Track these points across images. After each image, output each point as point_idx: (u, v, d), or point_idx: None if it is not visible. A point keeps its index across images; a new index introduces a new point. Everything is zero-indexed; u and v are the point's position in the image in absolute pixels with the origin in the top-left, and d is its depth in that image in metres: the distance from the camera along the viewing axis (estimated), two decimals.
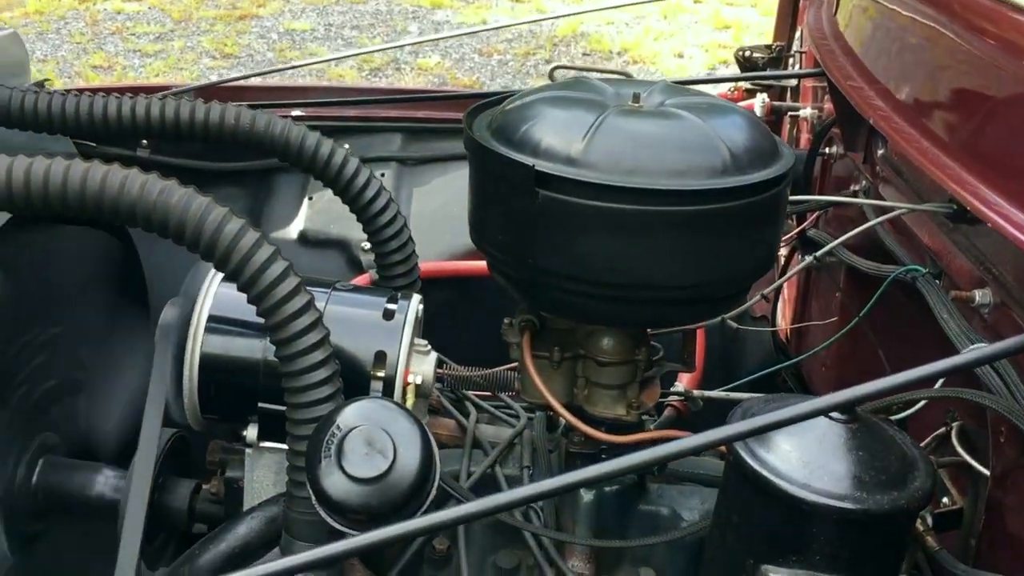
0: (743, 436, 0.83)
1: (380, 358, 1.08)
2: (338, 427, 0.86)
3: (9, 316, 1.01)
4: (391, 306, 1.12)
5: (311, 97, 1.99)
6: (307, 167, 1.32)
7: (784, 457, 0.85)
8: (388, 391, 1.08)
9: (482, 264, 1.14)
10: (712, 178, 0.94)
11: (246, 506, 1.17)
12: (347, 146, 1.39)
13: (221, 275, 1.12)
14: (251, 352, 1.08)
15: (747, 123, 1.01)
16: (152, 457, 1.10)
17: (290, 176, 1.96)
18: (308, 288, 0.99)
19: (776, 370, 1.63)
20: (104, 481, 1.23)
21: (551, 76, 1.50)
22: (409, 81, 5.05)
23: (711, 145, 0.95)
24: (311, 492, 0.88)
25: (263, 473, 1.16)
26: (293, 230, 1.92)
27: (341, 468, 0.83)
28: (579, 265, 0.95)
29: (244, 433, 1.11)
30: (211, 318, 1.09)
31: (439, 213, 1.92)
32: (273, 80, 4.00)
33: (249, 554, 1.05)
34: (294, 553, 0.97)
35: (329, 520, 0.88)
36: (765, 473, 0.84)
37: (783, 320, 1.87)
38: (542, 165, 0.93)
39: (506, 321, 1.12)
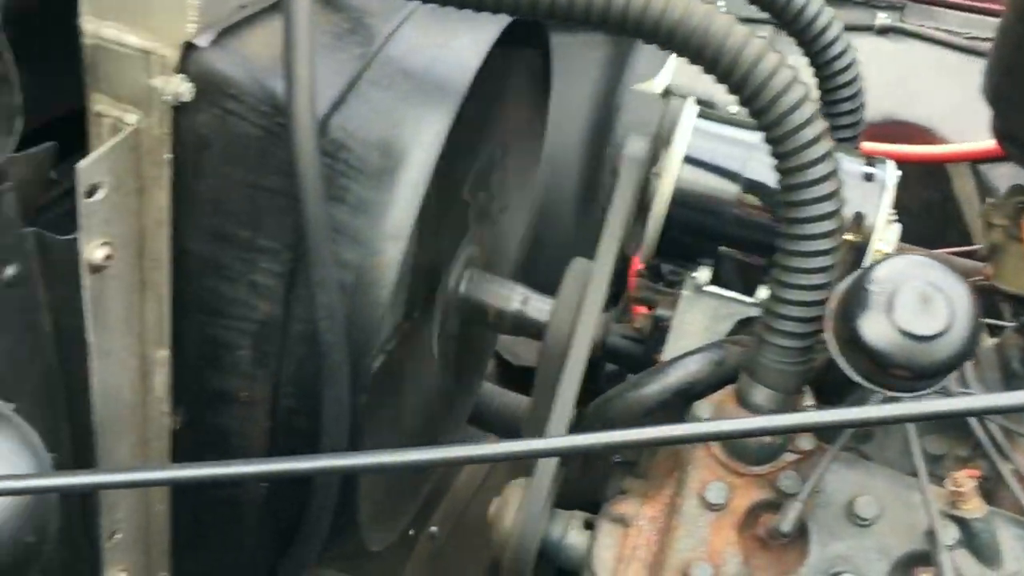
0: None
1: (857, 219, 1.04)
2: (881, 279, 0.83)
3: (458, 140, 1.03)
4: (870, 168, 1.07)
5: None
6: None
7: None
8: (859, 255, 1.04)
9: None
10: None
11: (668, 347, 1.19)
12: None
13: (695, 114, 1.10)
14: (725, 194, 1.07)
15: None
16: (603, 290, 1.11)
17: None
18: None
19: None
20: (528, 301, 1.27)
21: None
22: None
23: None
24: (840, 342, 0.87)
25: (695, 317, 1.15)
26: (657, 85, 1.89)
27: (891, 320, 0.81)
28: None
29: (693, 275, 1.11)
30: (685, 157, 1.08)
31: None
32: None
33: (695, 393, 1.06)
34: (753, 393, 0.99)
35: (852, 373, 0.86)
36: None
37: None
38: None
39: (991, 201, 1.06)
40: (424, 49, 1.04)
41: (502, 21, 1.16)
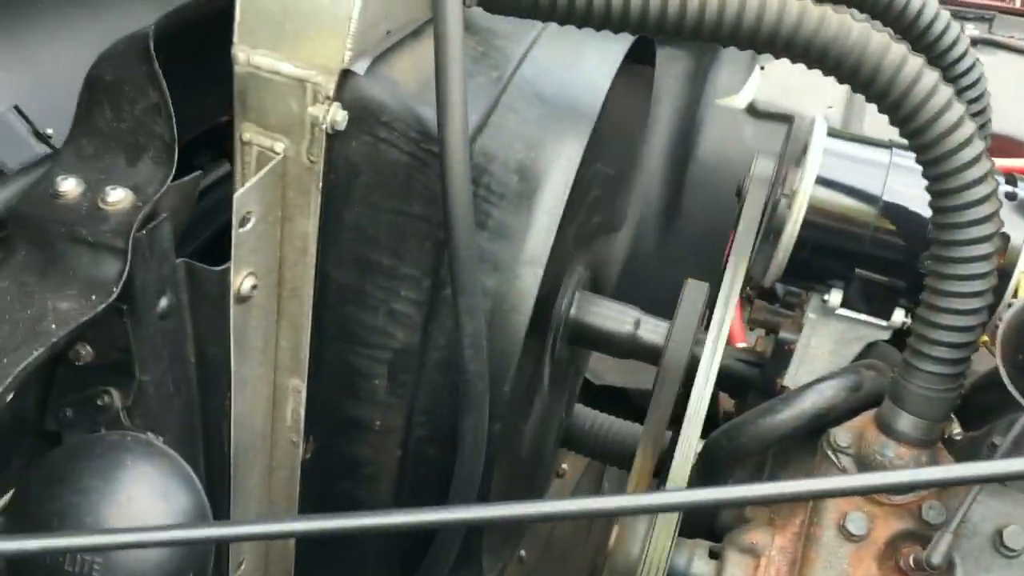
0: None
1: (1003, 240, 1.01)
2: None
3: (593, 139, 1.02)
4: (1011, 187, 1.05)
5: None
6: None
7: None
8: (1003, 280, 1.02)
9: None
10: None
11: (793, 370, 1.16)
12: None
13: (824, 132, 1.08)
14: (861, 215, 1.04)
15: None
16: (732, 312, 1.09)
17: None
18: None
19: None
20: (641, 324, 1.25)
21: None
22: None
23: None
24: (1010, 367, 0.84)
25: (821, 340, 1.13)
26: (741, 100, 1.87)
27: None
28: None
29: (825, 297, 1.09)
30: (818, 177, 1.06)
31: None
32: None
33: (830, 419, 1.03)
34: (899, 420, 0.97)
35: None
36: None
37: None
38: None
39: None
40: (555, 71, 1.02)
41: (626, 39, 1.14)
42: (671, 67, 1.87)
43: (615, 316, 1.26)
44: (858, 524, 1.00)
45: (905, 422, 0.97)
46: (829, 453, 1.02)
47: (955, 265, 0.90)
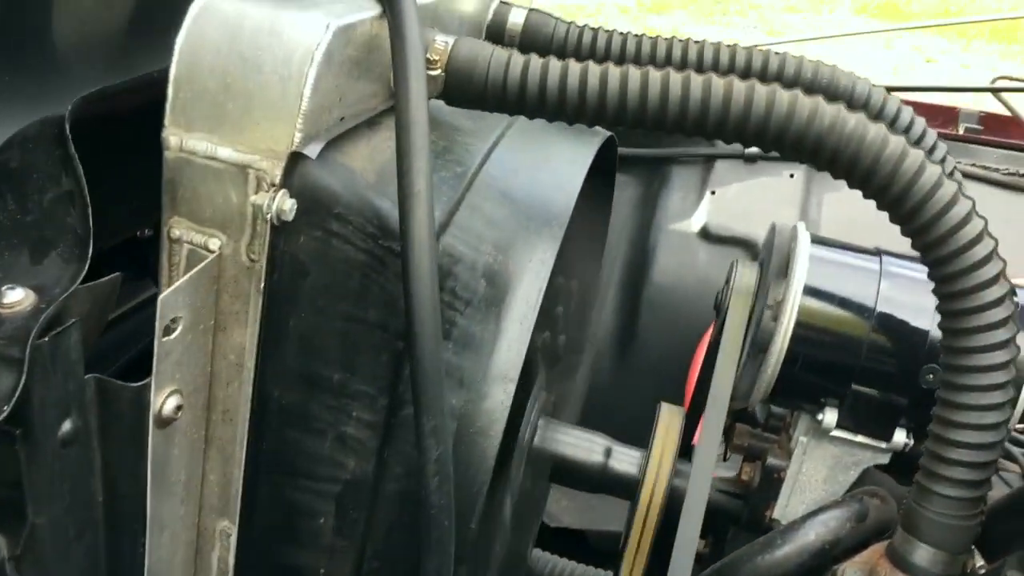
0: None
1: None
2: None
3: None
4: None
5: None
6: None
7: None
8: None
9: None
10: None
11: (783, 500, 1.05)
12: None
13: (808, 240, 1.01)
14: (855, 326, 0.96)
15: None
16: (717, 441, 0.98)
17: (689, 168, 1.87)
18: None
19: None
20: (612, 453, 1.13)
21: None
22: None
23: None
24: None
25: (815, 466, 1.03)
26: (693, 224, 1.82)
27: None
28: None
29: (819, 417, 0.99)
30: (806, 288, 0.97)
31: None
32: None
33: (838, 552, 0.92)
34: (914, 553, 0.86)
35: None
36: None
37: None
38: None
39: None
40: (522, 169, 0.94)
41: (595, 139, 1.07)
42: (621, 192, 1.83)
43: (584, 445, 1.14)
44: None
45: (922, 555, 0.86)
46: None
47: (972, 375, 0.81)
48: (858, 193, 1.83)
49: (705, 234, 1.79)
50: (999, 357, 0.81)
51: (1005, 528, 0.87)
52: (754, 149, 1.51)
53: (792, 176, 1.80)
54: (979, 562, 0.88)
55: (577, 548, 1.60)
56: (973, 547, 0.88)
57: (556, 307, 1.15)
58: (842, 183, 2.12)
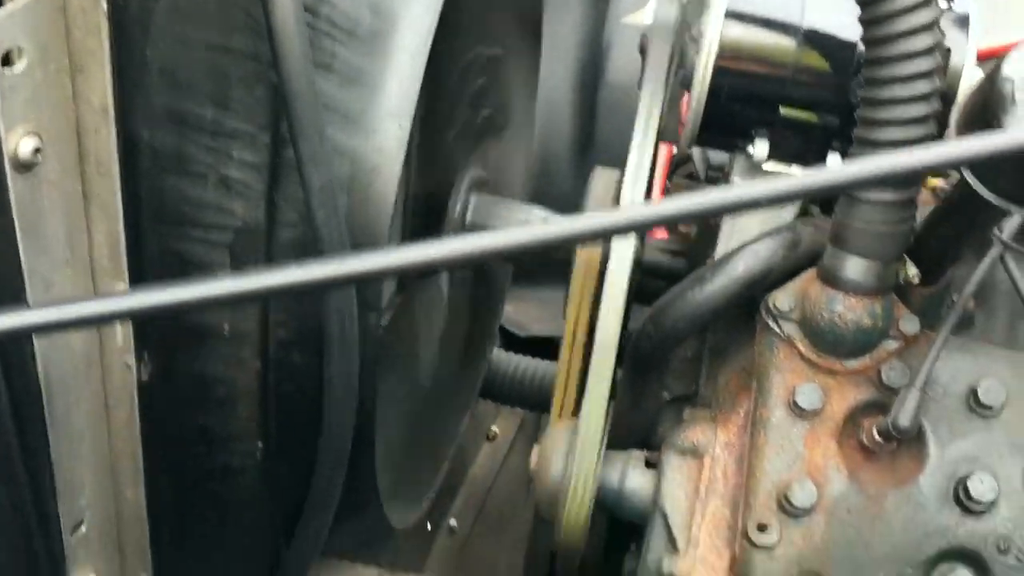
0: None
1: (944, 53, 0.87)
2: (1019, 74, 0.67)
3: (458, 24, 0.87)
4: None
5: None
6: None
7: None
8: (946, 106, 0.87)
9: None
10: None
11: (722, 248, 1.01)
12: None
13: None
14: (781, 49, 0.90)
15: None
16: (642, 190, 0.94)
17: None
18: None
19: None
20: (550, 222, 1.09)
21: None
22: None
23: None
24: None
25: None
26: (648, 15, 1.74)
27: None
28: None
29: (749, 150, 0.94)
30: (728, 12, 0.91)
31: None
32: None
33: (771, 283, 0.88)
34: (844, 266, 0.82)
35: (987, 193, 0.69)
36: None
37: None
38: None
39: None
40: None
41: None
42: None
43: (519, 218, 1.10)
44: (809, 398, 0.85)
45: (852, 267, 0.82)
46: (769, 321, 0.87)
47: (895, 65, 0.76)
48: None
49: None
50: (923, 41, 0.75)
51: (937, 233, 0.83)
52: None
53: None
54: (912, 271, 0.84)
55: (549, 357, 1.58)
56: (906, 256, 0.84)
57: (475, 82, 1.09)
58: None
